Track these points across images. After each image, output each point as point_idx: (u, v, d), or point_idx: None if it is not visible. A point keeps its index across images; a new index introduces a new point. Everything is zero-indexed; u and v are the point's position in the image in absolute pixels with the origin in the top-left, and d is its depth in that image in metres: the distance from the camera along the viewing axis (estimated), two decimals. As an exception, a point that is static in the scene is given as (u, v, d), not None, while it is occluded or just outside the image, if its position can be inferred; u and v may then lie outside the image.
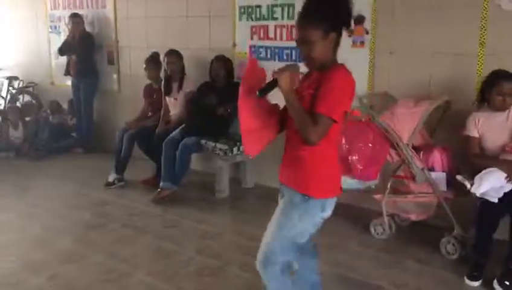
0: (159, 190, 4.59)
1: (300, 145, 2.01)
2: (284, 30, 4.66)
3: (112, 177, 5.02)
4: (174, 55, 4.92)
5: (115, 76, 6.32)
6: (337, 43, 2.03)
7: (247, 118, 2.08)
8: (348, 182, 3.72)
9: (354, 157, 3.60)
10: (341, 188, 2.17)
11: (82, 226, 4.05)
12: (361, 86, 4.17)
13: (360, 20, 4.15)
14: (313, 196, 2.05)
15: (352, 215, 4.14)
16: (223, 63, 4.79)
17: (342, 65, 2.04)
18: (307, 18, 1.96)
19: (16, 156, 6.19)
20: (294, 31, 4.54)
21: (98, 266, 3.30)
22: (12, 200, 4.66)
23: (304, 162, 2.06)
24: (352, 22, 2.06)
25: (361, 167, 3.59)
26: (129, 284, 3.07)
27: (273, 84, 1.99)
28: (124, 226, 4.02)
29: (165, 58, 4.94)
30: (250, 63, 2.17)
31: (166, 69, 4.99)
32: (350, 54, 4.26)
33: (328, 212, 2.12)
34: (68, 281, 3.10)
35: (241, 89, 2.06)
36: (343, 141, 3.67)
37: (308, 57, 2.00)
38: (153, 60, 5.17)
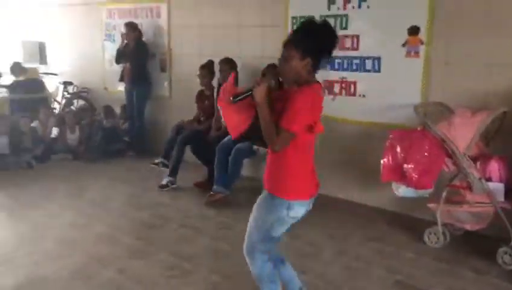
0: (211, 193, 4.76)
1: (270, 151, 2.34)
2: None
3: (165, 180, 5.22)
4: (228, 63, 5.10)
5: (166, 83, 6.57)
6: (313, 67, 2.28)
7: (228, 116, 2.45)
8: (402, 190, 3.80)
9: (409, 166, 3.67)
10: (312, 194, 2.43)
11: (142, 225, 4.25)
12: (414, 95, 4.26)
13: (415, 30, 4.23)
14: (278, 196, 2.34)
15: (407, 224, 4.20)
16: (275, 71, 4.92)
17: (313, 85, 2.29)
18: (292, 40, 2.28)
19: (72, 158, 6.49)
20: (345, 41, 4.68)
21: (162, 263, 3.47)
22: (71, 200, 4.90)
23: (272, 166, 2.38)
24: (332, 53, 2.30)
25: (416, 176, 3.66)
26: (194, 281, 3.22)
27: (248, 93, 2.26)
28: (182, 227, 4.20)
29: (219, 66, 5.12)
30: (232, 77, 2.51)
31: (219, 76, 5.17)
32: (404, 63, 4.37)
33: (297, 213, 2.39)
34: (136, 275, 3.28)
35: (221, 97, 2.41)
36: (398, 149, 3.75)
37: (283, 72, 2.31)
38: (206, 68, 5.37)
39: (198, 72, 5.37)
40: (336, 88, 4.86)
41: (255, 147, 4.80)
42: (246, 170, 5.15)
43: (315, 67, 2.29)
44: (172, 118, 6.27)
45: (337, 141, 4.88)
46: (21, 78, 7.53)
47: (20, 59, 8.12)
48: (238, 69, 5.16)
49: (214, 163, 4.83)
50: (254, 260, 2.51)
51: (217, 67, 5.25)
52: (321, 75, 5.02)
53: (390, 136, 3.83)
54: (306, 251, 3.73)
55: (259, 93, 2.21)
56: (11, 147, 5.98)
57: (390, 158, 3.77)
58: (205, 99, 5.50)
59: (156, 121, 6.78)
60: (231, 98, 2.30)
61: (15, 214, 4.47)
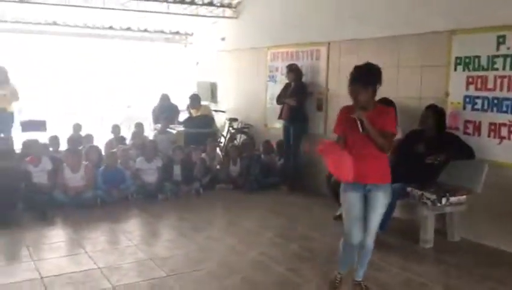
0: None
1: (373, 154, 3.31)
2: (506, 81, 4.48)
3: (339, 211, 5.37)
4: (384, 102, 5.12)
5: (321, 122, 6.82)
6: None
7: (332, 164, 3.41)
8: None
9: None
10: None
11: (294, 256, 4.45)
12: None
13: None
14: (389, 183, 3.43)
15: None
16: (434, 112, 4.82)
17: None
18: (362, 79, 3.31)
19: (233, 188, 7.08)
20: (517, 81, 4.38)
21: (310, 295, 3.61)
22: (234, 227, 5.35)
23: (376, 164, 3.35)
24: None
25: None
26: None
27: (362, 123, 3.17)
28: (329, 262, 4.28)
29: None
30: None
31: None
32: None
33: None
34: (285, 304, 3.47)
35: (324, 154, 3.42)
36: None
37: (357, 99, 3.32)
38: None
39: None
40: (504, 131, 4.53)
41: (408, 188, 4.71)
42: (397, 212, 5.04)
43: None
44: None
45: (503, 187, 4.52)
46: (194, 114, 8.54)
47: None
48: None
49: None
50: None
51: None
52: (486, 117, 4.84)
53: None
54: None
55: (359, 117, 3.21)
56: (183, 175, 6.78)
57: None
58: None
59: (310, 158, 7.03)
60: (361, 131, 3.17)
61: (184, 235, 5.06)
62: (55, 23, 9.21)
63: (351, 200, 3.36)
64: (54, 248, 4.55)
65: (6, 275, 3.85)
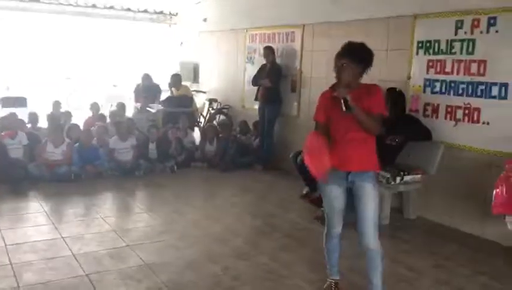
0: (322, 208, 4.93)
1: (358, 139, 2.96)
2: (462, 65, 4.62)
3: (305, 190, 5.58)
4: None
5: (295, 103, 6.96)
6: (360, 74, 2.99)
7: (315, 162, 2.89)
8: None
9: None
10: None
11: (254, 231, 4.64)
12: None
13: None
14: (376, 171, 3.13)
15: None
16: (393, 95, 4.96)
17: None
18: (350, 56, 2.94)
19: (208, 167, 7.23)
20: (472, 66, 4.52)
21: (262, 266, 3.80)
22: (203, 203, 5.54)
23: (362, 150, 2.99)
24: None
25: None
26: (286, 285, 3.48)
27: (347, 101, 2.81)
28: (287, 236, 4.47)
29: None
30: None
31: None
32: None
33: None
34: (237, 273, 3.65)
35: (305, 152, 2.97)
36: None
37: (342, 77, 2.95)
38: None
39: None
40: (459, 114, 4.69)
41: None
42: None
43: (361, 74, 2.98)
44: (299, 136, 6.61)
45: (458, 168, 4.70)
46: (175, 93, 8.66)
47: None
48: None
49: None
50: (377, 241, 2.96)
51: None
52: (443, 100, 4.98)
53: (506, 166, 3.62)
54: (405, 276, 3.70)
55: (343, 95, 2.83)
56: (158, 153, 6.93)
57: (504, 189, 3.56)
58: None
59: (284, 138, 7.19)
60: (344, 110, 2.82)
61: (152, 209, 5.23)
62: (39, 1, 9.23)
63: (332, 193, 3.05)
64: (23, 219, 4.72)
65: (-28, 242, 4.03)
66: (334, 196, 3.06)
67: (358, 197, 2.96)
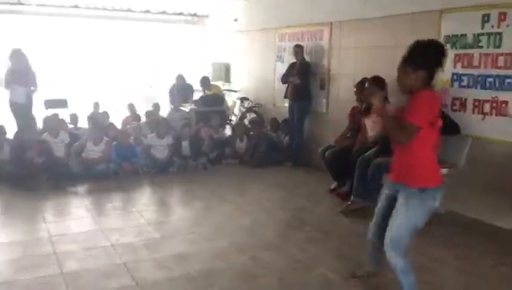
0: (349, 203, 5.04)
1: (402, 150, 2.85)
2: (489, 58, 4.62)
3: (333, 184, 5.76)
4: (376, 81, 5.32)
5: (324, 100, 7.05)
6: (428, 78, 2.78)
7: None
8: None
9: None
10: (440, 182, 2.82)
11: (283, 224, 4.79)
12: None
13: None
14: (425, 187, 2.78)
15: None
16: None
17: (429, 90, 2.79)
18: (406, 59, 2.82)
19: (239, 163, 7.42)
20: (499, 59, 4.51)
21: (290, 256, 3.94)
22: (234, 197, 5.70)
23: (404, 162, 2.86)
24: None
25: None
26: (313, 275, 3.61)
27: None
28: (315, 229, 4.59)
29: (367, 84, 5.38)
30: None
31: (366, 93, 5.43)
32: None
33: (437, 200, 2.81)
34: (265, 263, 3.81)
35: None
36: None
37: (400, 83, 2.86)
38: (361, 85, 5.68)
39: (354, 89, 5.73)
40: (486, 108, 4.69)
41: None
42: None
43: (430, 78, 2.79)
44: (327, 133, 6.71)
45: (486, 162, 4.69)
46: (207, 92, 8.90)
47: (210, 77, 9.57)
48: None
49: (355, 175, 5.10)
50: (400, 254, 2.87)
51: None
52: (471, 94, 4.99)
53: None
54: (427, 266, 3.76)
55: (376, 101, 2.88)
56: (192, 151, 7.16)
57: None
58: (356, 114, 5.80)
59: (313, 135, 7.29)
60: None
61: (185, 204, 5.47)
62: (76, 6, 9.66)
63: (383, 191, 3.08)
64: (65, 212, 5.05)
65: (21, 232, 4.37)
66: (382, 194, 3.09)
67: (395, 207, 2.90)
